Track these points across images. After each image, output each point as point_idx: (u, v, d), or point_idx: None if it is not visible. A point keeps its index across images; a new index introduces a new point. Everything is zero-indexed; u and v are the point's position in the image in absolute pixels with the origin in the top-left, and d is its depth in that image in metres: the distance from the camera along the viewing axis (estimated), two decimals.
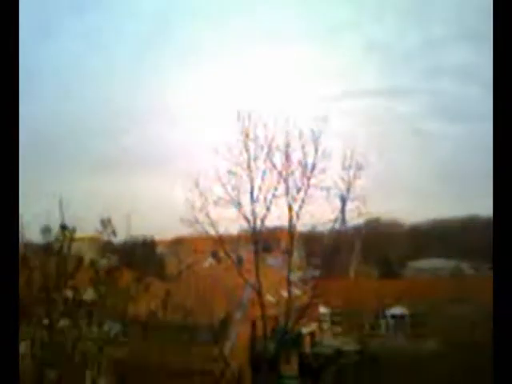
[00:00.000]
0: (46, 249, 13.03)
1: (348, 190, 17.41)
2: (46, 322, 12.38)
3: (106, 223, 13.12)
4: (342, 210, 17.60)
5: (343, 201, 17.44)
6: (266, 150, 17.76)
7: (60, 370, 12.20)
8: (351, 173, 17.32)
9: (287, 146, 17.63)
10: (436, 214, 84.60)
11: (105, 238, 13.34)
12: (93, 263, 13.24)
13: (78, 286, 12.71)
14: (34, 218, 13.15)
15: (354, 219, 18.28)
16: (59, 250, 12.83)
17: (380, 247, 61.68)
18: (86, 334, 12.63)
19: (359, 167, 17.18)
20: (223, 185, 17.64)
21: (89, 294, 12.97)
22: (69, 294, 12.64)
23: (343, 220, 17.94)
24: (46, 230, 12.88)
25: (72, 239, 12.90)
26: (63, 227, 12.83)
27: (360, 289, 34.77)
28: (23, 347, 12.62)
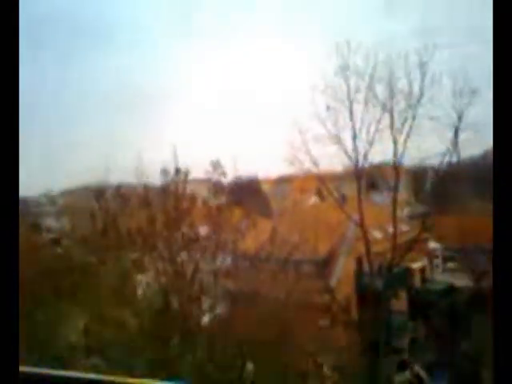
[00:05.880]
0: (165, 190, 14.44)
1: (460, 118, 15.97)
2: (166, 255, 13.79)
3: (216, 165, 14.09)
4: (455, 142, 16.29)
5: (455, 131, 16.10)
6: (367, 80, 16.82)
7: (181, 297, 13.64)
8: (464, 100, 15.77)
9: (390, 74, 16.48)
10: None
11: (215, 178, 14.31)
12: (205, 202, 14.32)
13: (193, 222, 13.90)
14: (153, 163, 14.45)
15: (467, 151, 16.92)
16: (175, 190, 14.12)
17: None
18: (202, 267, 13.87)
19: (473, 92, 15.51)
20: (322, 121, 17.27)
21: (203, 230, 14.13)
22: (185, 230, 13.88)
23: (456, 152, 16.69)
24: (164, 173, 14.23)
25: (186, 181, 14.06)
26: (177, 170, 14.06)
27: (475, 224, 32.72)
28: (149, 277, 14.35)
